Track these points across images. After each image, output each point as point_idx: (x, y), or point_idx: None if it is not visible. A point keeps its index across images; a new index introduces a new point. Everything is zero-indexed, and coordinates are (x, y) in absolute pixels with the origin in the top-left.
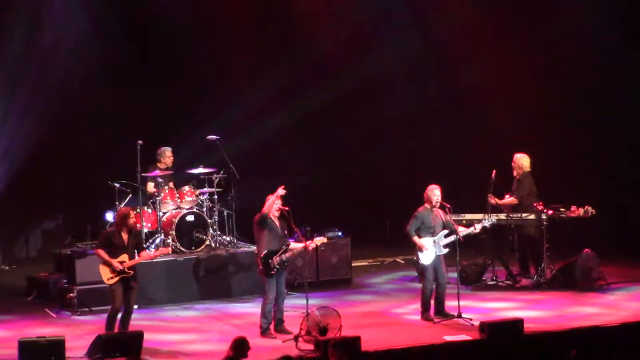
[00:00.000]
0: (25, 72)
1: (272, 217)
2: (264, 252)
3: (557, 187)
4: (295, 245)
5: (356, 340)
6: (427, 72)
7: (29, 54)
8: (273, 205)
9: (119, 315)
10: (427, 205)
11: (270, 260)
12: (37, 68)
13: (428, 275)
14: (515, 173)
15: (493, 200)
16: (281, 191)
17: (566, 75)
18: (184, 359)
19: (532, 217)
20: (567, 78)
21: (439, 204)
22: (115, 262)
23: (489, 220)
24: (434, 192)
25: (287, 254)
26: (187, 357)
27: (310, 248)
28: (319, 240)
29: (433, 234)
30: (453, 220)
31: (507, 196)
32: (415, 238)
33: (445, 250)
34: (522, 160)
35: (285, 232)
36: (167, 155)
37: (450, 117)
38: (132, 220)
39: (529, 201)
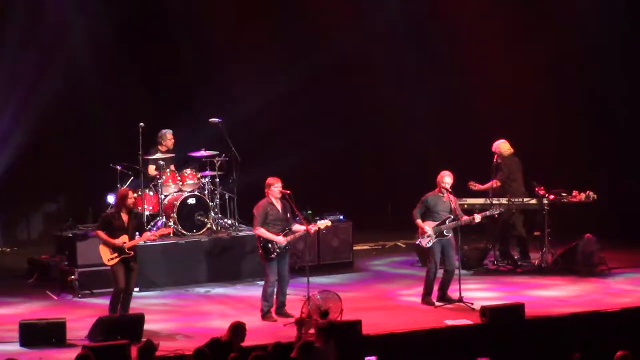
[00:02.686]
0: (27, 54)
1: (273, 200)
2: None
3: (559, 172)
4: (297, 228)
5: (357, 324)
6: (430, 60)
7: (29, 36)
8: (273, 188)
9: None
10: (436, 191)
11: (269, 244)
12: (38, 50)
13: (434, 260)
14: (495, 159)
15: (474, 186)
16: None
17: (566, 61)
18: (185, 342)
19: (533, 201)
20: (566, 64)
21: (448, 190)
22: (115, 240)
23: (495, 209)
24: (444, 179)
25: (289, 237)
26: (188, 340)
27: (312, 231)
28: (322, 223)
29: (438, 219)
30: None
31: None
32: (418, 221)
33: (449, 235)
34: (501, 146)
35: (288, 214)
36: (167, 137)
37: (452, 103)
38: (130, 201)
39: (508, 185)
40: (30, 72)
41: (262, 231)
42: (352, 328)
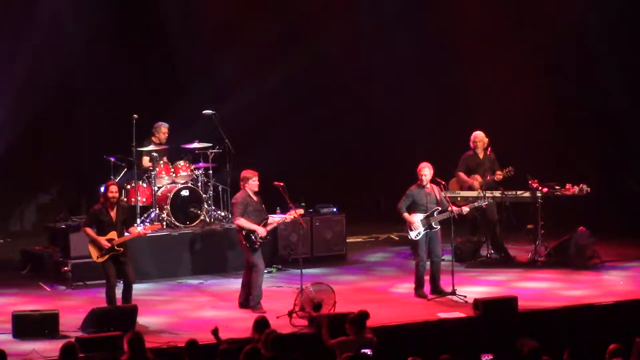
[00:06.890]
0: (22, 45)
1: (250, 193)
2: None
3: (552, 165)
4: (273, 219)
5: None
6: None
7: (26, 27)
8: (252, 182)
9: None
10: (418, 183)
11: (252, 235)
12: (31, 43)
13: (420, 252)
14: (481, 150)
15: (500, 176)
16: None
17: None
18: (178, 333)
19: (527, 194)
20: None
21: (428, 182)
22: (102, 240)
23: (484, 200)
24: (422, 171)
25: (269, 227)
26: (181, 331)
27: (288, 220)
28: (298, 211)
29: (425, 211)
30: (448, 197)
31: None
32: (405, 214)
33: (438, 227)
34: (484, 137)
35: (262, 205)
36: (162, 131)
37: (446, 95)
38: (110, 194)
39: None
40: (23, 64)
41: (242, 221)
42: (345, 320)
